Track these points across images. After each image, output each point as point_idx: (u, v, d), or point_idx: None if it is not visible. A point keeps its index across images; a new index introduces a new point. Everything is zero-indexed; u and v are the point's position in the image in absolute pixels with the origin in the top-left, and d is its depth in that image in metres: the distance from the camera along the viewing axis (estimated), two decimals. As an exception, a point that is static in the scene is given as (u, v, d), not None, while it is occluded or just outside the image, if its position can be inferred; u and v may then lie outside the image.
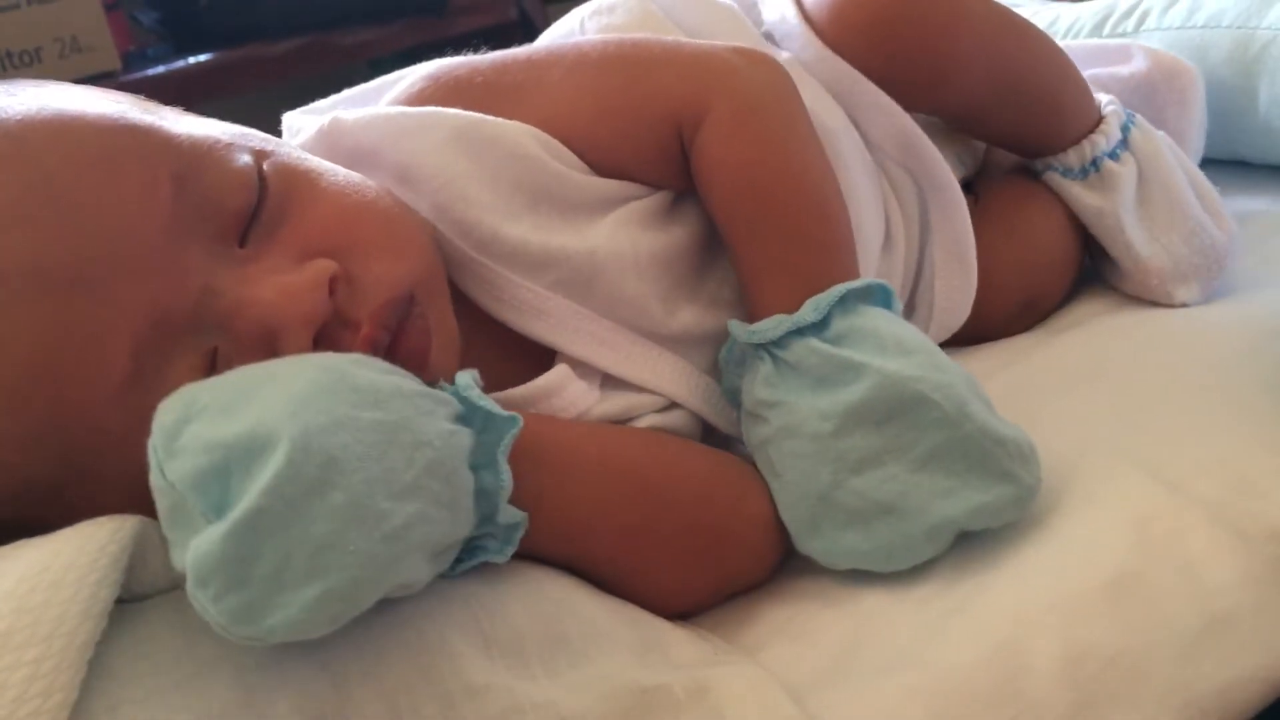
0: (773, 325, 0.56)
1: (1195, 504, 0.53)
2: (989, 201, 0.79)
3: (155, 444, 0.42)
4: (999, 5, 0.75)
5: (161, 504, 0.42)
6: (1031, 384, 0.66)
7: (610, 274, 0.59)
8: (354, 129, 0.59)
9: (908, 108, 0.72)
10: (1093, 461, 0.57)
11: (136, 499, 0.45)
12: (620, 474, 0.54)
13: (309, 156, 0.55)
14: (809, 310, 0.55)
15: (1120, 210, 0.73)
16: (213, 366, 0.48)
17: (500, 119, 0.58)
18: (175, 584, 0.47)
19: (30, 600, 0.41)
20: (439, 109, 0.59)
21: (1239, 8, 0.84)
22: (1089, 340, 0.71)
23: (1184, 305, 0.72)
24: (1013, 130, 0.78)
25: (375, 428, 0.43)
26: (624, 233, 0.59)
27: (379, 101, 0.64)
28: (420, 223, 0.56)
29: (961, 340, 0.74)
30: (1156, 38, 0.89)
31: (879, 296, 0.57)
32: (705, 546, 0.55)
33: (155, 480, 0.42)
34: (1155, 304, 0.74)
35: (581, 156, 0.60)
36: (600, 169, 0.60)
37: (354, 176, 0.55)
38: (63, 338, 0.45)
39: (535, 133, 0.58)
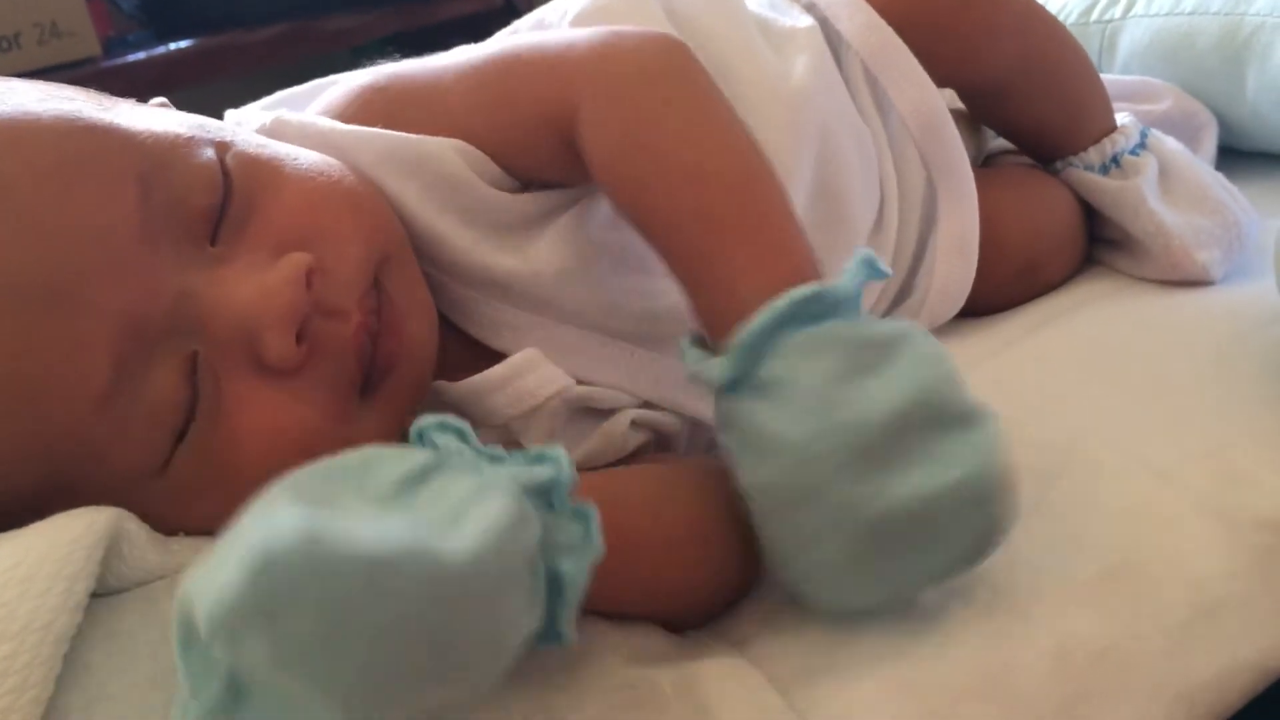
0: (706, 370, 0.48)
1: (1185, 494, 0.53)
2: (995, 172, 0.80)
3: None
4: (1036, 1, 0.78)
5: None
6: (1023, 371, 0.66)
7: (565, 289, 0.58)
8: (295, 137, 0.57)
9: (938, 81, 0.73)
10: (1083, 451, 0.56)
11: (122, 506, 0.45)
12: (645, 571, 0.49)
13: (269, 142, 0.54)
14: (724, 366, 0.46)
15: (1143, 186, 0.74)
16: (193, 370, 0.47)
17: (424, 136, 0.56)
18: (152, 576, 0.46)
19: (3, 595, 0.40)
20: (366, 129, 0.56)
21: (1227, -6, 0.84)
22: (1081, 328, 0.70)
23: (1206, 277, 0.72)
24: (1036, 121, 0.79)
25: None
26: (568, 245, 0.57)
27: (309, 104, 0.62)
28: (383, 197, 0.55)
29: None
30: (1144, 24, 0.89)
31: (839, 300, 0.47)
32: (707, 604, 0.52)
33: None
34: (1154, 287, 0.74)
35: (500, 165, 0.57)
36: (522, 178, 0.58)
37: (315, 158, 0.54)
38: (39, 352, 0.44)
39: (460, 146, 0.56)
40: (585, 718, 0.44)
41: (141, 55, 1.64)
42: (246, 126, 0.59)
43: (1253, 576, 0.49)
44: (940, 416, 0.43)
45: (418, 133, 0.56)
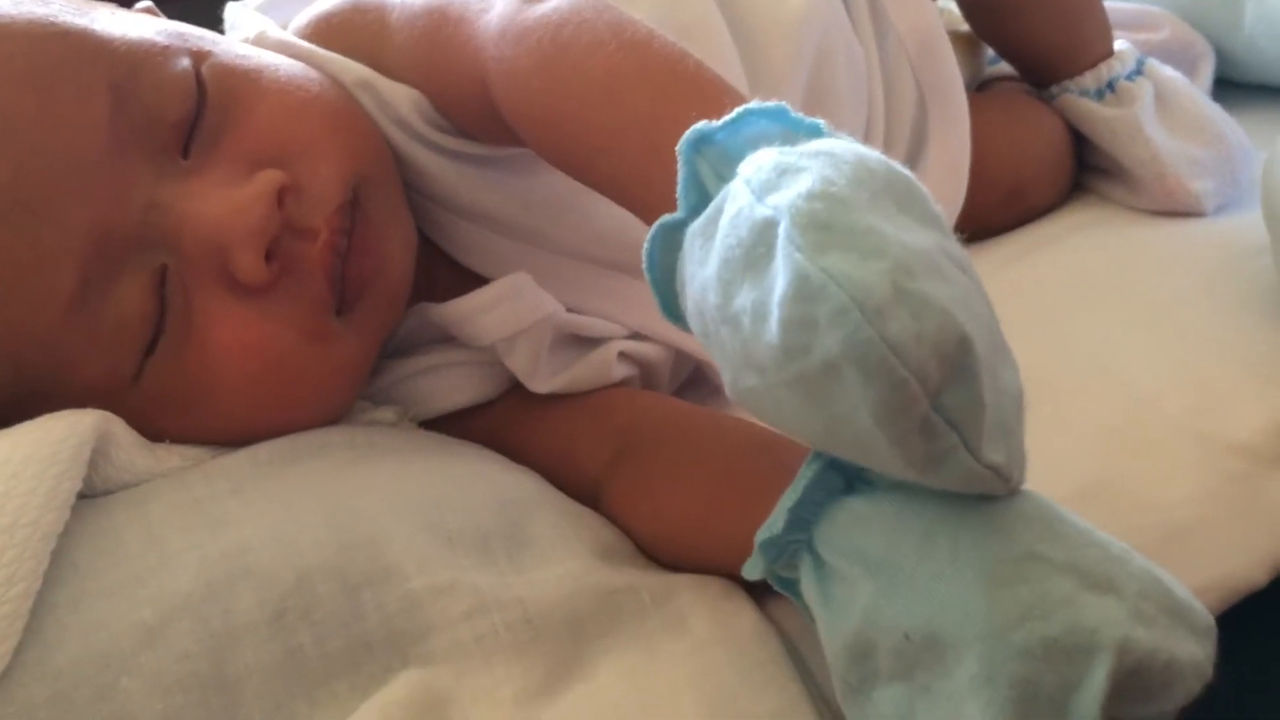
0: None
1: (1163, 418, 0.54)
2: (986, 96, 0.80)
3: None
4: None
5: None
6: (1010, 296, 0.65)
7: (554, 219, 0.57)
8: (274, 50, 0.56)
9: None
10: (1067, 376, 0.57)
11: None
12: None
13: (250, 52, 0.53)
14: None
15: (1139, 114, 0.74)
16: (162, 283, 0.47)
17: (388, 81, 0.54)
18: (139, 479, 0.47)
19: (-11, 491, 0.40)
20: (343, 57, 0.55)
21: (1230, -77, 0.83)
22: (1069, 255, 0.70)
23: (1199, 208, 0.72)
24: (1034, 38, 0.78)
25: None
26: (557, 177, 0.55)
27: (300, 9, 0.61)
28: (365, 114, 0.54)
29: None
30: (1146, -49, 0.88)
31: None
32: None
33: None
34: (1144, 216, 0.74)
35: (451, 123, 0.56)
36: (473, 138, 0.56)
37: (296, 69, 0.53)
38: (5, 260, 0.44)
39: (417, 99, 0.54)
40: (567, 621, 0.45)
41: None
42: (238, 31, 0.58)
43: (1225, 500, 0.50)
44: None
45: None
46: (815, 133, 0.38)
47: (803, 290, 0.32)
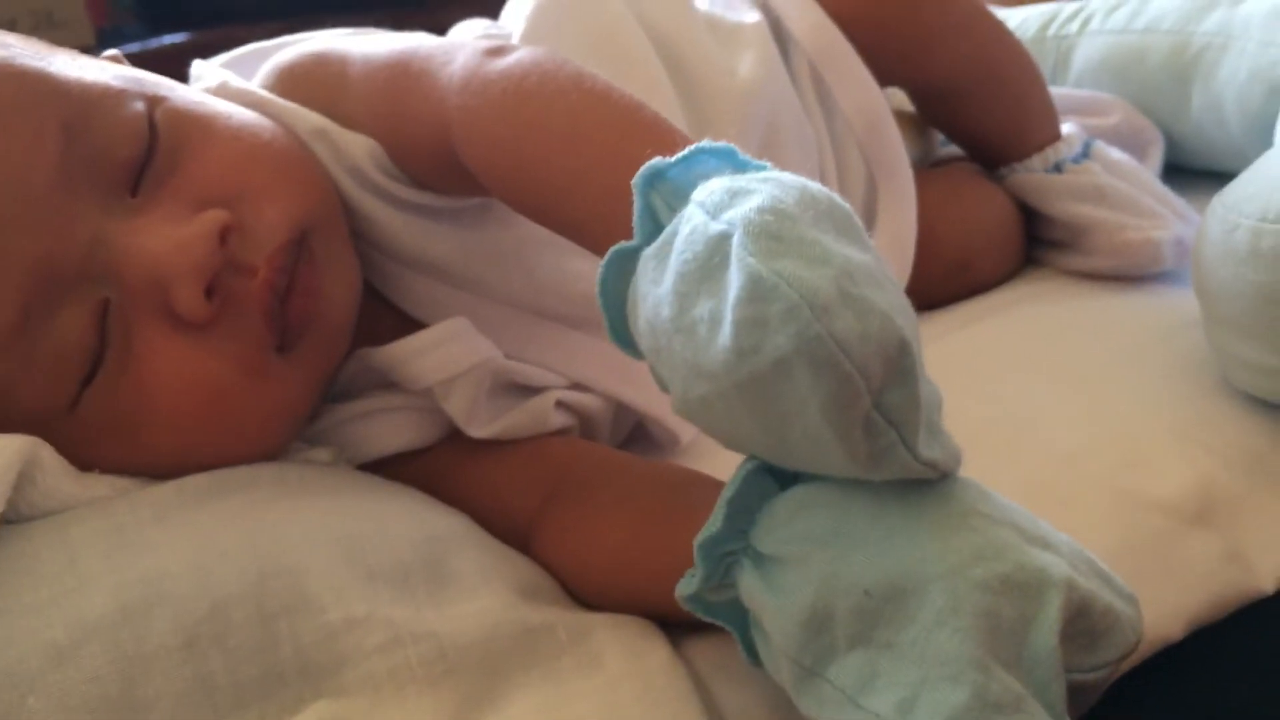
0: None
1: (1087, 476, 0.54)
2: (934, 173, 0.82)
3: None
4: (984, 6, 0.80)
5: None
6: (950, 362, 0.66)
7: (498, 271, 0.59)
8: (237, 101, 0.57)
9: (886, 78, 0.75)
10: (992, 436, 0.58)
11: None
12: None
13: (207, 99, 0.55)
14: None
15: (1096, 181, 0.77)
16: (104, 316, 0.48)
17: (344, 130, 0.56)
18: (65, 506, 0.47)
19: (-90, 508, 0.41)
20: (299, 106, 0.57)
21: (1178, 13, 0.86)
22: (1013, 324, 0.72)
23: (1158, 257, 0.74)
24: (980, 124, 0.81)
25: None
26: (504, 229, 0.58)
27: (261, 65, 0.63)
28: (316, 162, 0.56)
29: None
30: (1100, 40, 0.91)
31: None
32: None
33: None
34: (1090, 288, 0.75)
35: (405, 173, 0.57)
36: (427, 187, 0.57)
37: (249, 117, 0.54)
38: None
39: (373, 148, 0.56)
40: (482, 656, 0.45)
41: (135, 48, 1.66)
42: (202, 82, 0.60)
43: (1143, 554, 0.51)
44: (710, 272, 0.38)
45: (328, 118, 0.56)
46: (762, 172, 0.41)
47: (756, 291, 0.35)
